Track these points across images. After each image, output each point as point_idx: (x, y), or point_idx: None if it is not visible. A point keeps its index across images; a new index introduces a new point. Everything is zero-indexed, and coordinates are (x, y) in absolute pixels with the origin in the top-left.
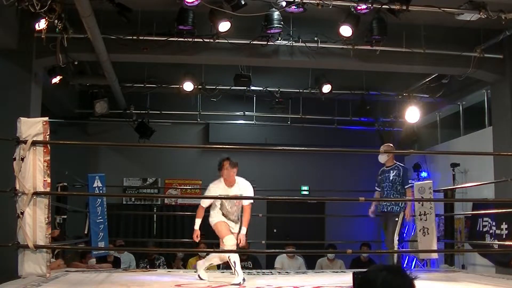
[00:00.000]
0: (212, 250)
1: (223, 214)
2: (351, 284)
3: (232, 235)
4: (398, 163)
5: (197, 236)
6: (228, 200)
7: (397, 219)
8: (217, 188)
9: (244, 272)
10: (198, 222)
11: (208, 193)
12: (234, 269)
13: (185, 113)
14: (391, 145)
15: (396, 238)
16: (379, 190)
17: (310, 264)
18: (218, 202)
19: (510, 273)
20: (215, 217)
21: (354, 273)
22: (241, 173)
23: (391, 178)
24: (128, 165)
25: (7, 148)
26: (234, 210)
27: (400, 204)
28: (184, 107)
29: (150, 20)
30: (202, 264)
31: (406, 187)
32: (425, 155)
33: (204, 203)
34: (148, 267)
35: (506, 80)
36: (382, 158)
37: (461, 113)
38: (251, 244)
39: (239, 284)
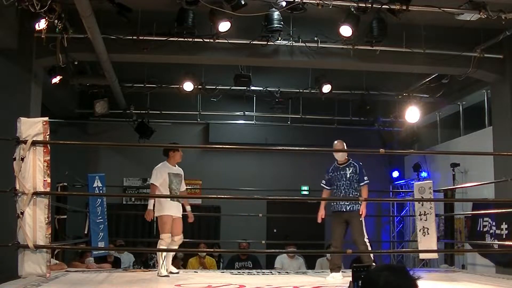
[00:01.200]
0: (212, 250)
1: (170, 193)
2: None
3: (169, 234)
4: (351, 159)
5: (150, 217)
6: (175, 177)
7: (361, 218)
8: (166, 168)
9: (244, 272)
10: (151, 202)
11: (158, 174)
12: (162, 262)
13: (185, 113)
14: (343, 142)
15: (366, 237)
16: (329, 188)
17: (310, 264)
18: (167, 180)
19: (510, 273)
20: (164, 210)
21: (353, 267)
22: (241, 173)
23: (348, 176)
24: (128, 165)
25: (7, 148)
26: (177, 188)
27: (360, 202)
28: (184, 107)
29: (150, 20)
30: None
31: (362, 184)
32: (425, 155)
33: (157, 181)
34: (142, 267)
35: (506, 80)
36: (340, 156)
37: (461, 113)
38: (251, 244)
39: (167, 276)
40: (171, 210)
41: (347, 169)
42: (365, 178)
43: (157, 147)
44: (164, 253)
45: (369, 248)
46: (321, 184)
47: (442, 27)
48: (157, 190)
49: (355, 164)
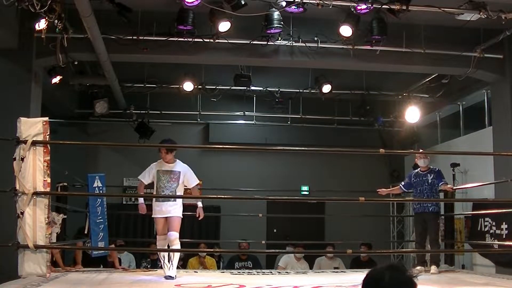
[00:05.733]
0: (212, 250)
1: (156, 192)
2: (351, 284)
3: (162, 236)
4: (431, 167)
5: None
6: (165, 174)
7: (438, 220)
8: (156, 165)
9: (244, 272)
10: (140, 199)
11: (147, 171)
12: (171, 262)
13: (185, 113)
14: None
15: (440, 237)
16: (405, 189)
17: (310, 264)
18: (156, 177)
19: (510, 273)
20: (154, 212)
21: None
22: (241, 173)
23: (429, 182)
24: (128, 165)
25: (7, 148)
26: (170, 185)
27: (437, 205)
28: (184, 107)
29: (150, 20)
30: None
31: (441, 183)
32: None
33: (143, 178)
34: (149, 267)
35: (506, 80)
36: (424, 162)
37: (461, 113)
38: (251, 244)
39: (173, 277)
40: (158, 212)
41: (429, 175)
42: (443, 179)
43: (157, 147)
44: (163, 254)
45: (440, 248)
46: (400, 185)
47: (442, 27)
48: (142, 186)
49: (435, 170)
